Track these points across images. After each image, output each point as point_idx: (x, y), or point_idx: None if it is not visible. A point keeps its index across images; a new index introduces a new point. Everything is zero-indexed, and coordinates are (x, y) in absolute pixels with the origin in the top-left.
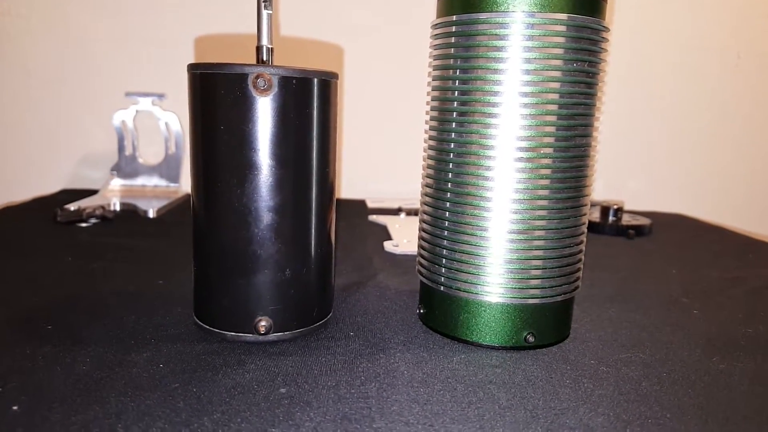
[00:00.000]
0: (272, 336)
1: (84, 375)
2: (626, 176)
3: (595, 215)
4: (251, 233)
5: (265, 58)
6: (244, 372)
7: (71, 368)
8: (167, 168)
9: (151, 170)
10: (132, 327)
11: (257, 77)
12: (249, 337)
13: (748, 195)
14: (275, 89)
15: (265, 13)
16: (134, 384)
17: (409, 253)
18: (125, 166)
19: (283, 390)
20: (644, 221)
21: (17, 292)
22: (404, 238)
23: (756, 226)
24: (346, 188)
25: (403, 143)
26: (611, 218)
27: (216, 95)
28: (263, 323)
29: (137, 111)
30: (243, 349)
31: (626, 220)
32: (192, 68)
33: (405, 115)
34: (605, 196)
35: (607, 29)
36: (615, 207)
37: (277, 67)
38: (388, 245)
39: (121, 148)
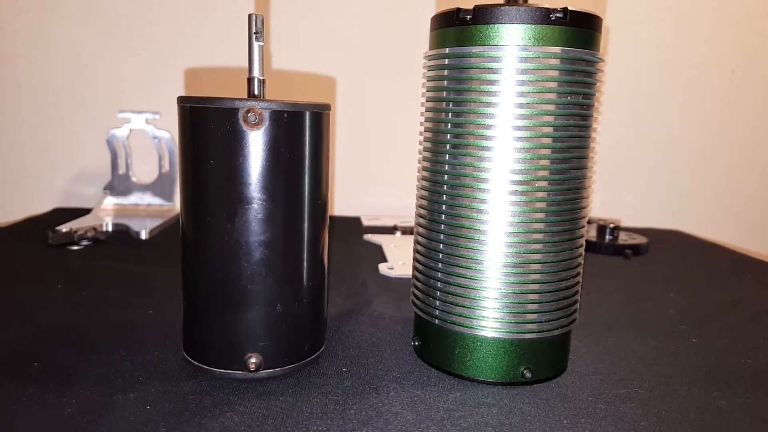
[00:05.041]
0: (262, 373)
1: (68, 419)
2: (622, 190)
3: (592, 234)
4: (241, 268)
5: (256, 90)
6: (233, 414)
7: (56, 411)
8: (161, 186)
9: (145, 189)
10: (120, 363)
11: (248, 111)
12: (238, 374)
13: (744, 210)
14: (266, 123)
15: (256, 44)
16: (119, 428)
17: (404, 277)
18: (118, 184)
19: None
20: (641, 240)
21: (4, 323)
22: (399, 259)
23: (751, 241)
24: (341, 205)
25: (398, 157)
26: (608, 237)
27: (206, 129)
28: (253, 360)
29: (131, 129)
30: (232, 387)
31: (623, 239)
32: (182, 101)
33: (398, 129)
34: (602, 212)
35: (601, 60)
36: (611, 226)
37: (268, 101)
38: (383, 268)
39: (114, 166)
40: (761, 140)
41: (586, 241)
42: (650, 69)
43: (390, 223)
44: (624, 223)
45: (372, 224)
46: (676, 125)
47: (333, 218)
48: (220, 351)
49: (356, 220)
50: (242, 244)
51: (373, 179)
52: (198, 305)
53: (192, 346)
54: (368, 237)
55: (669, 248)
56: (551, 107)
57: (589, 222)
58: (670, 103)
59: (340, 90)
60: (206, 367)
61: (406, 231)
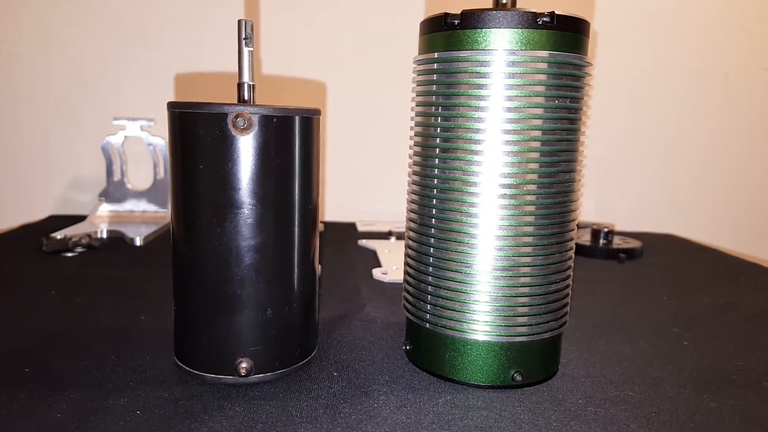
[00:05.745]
0: (253, 378)
1: (58, 425)
2: (617, 195)
3: (586, 238)
4: (232, 273)
5: (246, 96)
6: (223, 419)
7: (46, 417)
8: (156, 193)
9: (140, 196)
10: (111, 369)
11: (237, 116)
12: (229, 379)
13: (739, 214)
14: (255, 128)
15: (246, 50)
16: None
17: (398, 281)
18: (113, 191)
19: None
20: (635, 244)
21: None
22: (393, 264)
23: (746, 244)
24: (336, 211)
25: (393, 162)
26: (602, 241)
27: (196, 134)
28: (244, 365)
29: (126, 136)
30: (223, 392)
31: (617, 243)
32: (172, 107)
33: (393, 134)
34: (596, 217)
35: (589, 64)
36: (606, 230)
37: (257, 106)
38: (376, 272)
39: (109, 173)
40: (755, 143)
41: (581, 245)
42: (644, 73)
43: (385, 228)
44: (618, 228)
45: (367, 230)
46: (670, 129)
47: (328, 224)
48: (211, 356)
49: (351, 226)
50: (232, 249)
51: (368, 185)
52: (189, 310)
53: (183, 352)
54: (362, 242)
55: (663, 252)
56: (539, 111)
57: (583, 226)
58: (664, 107)
59: (330, 95)
60: (197, 372)
61: (401, 236)
